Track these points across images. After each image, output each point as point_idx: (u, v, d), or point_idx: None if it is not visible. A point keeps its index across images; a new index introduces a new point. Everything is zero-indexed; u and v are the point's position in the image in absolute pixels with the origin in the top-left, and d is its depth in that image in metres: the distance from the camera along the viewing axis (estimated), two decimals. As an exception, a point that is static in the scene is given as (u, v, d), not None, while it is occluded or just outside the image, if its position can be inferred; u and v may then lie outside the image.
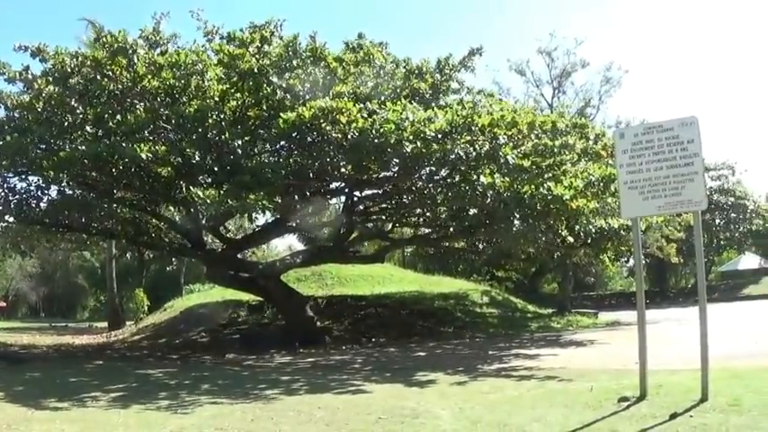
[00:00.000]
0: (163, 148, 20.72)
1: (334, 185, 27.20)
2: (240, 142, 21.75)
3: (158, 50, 23.38)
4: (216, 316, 35.68)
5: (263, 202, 19.66)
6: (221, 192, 19.32)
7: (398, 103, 21.04)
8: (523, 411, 11.42)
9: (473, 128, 20.42)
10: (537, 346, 26.02)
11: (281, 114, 20.58)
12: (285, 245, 75.24)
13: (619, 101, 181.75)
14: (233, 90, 23.23)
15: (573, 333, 33.17)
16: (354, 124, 19.83)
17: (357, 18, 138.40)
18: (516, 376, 16.78)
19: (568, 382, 14.93)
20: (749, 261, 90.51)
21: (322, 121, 20.12)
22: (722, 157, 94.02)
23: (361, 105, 20.92)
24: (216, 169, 21.88)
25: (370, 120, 20.03)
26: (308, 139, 21.77)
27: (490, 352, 24.67)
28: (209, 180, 22.27)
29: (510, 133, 21.05)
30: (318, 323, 30.37)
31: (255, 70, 22.43)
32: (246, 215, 22.63)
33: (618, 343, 24.54)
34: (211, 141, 22.07)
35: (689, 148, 11.60)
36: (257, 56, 23.00)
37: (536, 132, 21.85)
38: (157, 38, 23.60)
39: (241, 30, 23.68)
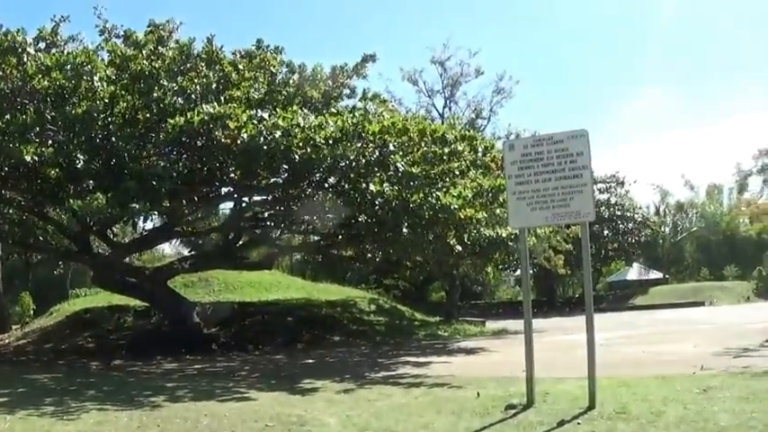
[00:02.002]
0: (50, 150, 20.28)
1: (222, 191, 27.00)
2: (128, 146, 21.35)
3: (54, 51, 22.93)
4: (102, 321, 35.05)
5: (148, 211, 19.48)
6: (106, 199, 19.02)
7: (289, 110, 21.00)
8: (411, 418, 11.46)
9: (363, 134, 20.49)
10: (425, 354, 26.23)
11: (170, 119, 20.34)
12: (173, 250, 74.28)
13: (510, 111, 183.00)
14: (123, 92, 22.74)
15: (460, 341, 33.54)
16: (244, 130, 19.71)
17: (252, 24, 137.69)
18: (404, 383, 16.85)
19: (456, 389, 15.03)
20: (638, 271, 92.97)
21: (212, 126, 19.95)
22: (611, 169, 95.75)
23: (253, 111, 20.82)
24: (102, 173, 21.47)
25: (260, 126, 19.93)
26: (198, 143, 21.56)
27: (378, 359, 24.81)
28: (95, 184, 21.83)
29: (400, 141, 21.17)
30: (205, 329, 30.07)
31: (147, 72, 22.07)
32: (131, 222, 22.35)
33: (505, 351, 24.92)
34: (99, 145, 21.65)
35: (578, 161, 11.82)
36: (151, 57, 22.70)
37: (426, 140, 22.02)
38: (55, 39, 23.17)
39: (136, 31, 23.50)
